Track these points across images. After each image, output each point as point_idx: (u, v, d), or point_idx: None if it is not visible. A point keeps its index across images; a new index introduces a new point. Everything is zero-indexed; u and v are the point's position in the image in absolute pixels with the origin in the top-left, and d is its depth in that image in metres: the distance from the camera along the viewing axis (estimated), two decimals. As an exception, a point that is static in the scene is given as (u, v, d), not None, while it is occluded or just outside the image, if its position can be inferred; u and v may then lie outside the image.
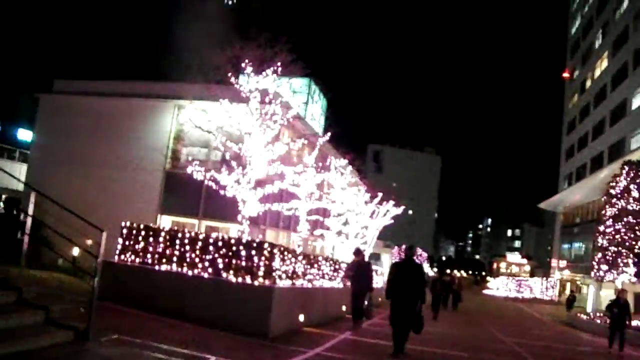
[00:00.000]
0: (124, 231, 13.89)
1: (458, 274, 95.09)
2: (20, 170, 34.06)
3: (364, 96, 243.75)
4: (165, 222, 26.32)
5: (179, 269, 13.02)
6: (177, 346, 8.93)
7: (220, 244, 12.82)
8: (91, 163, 26.97)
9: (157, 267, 13.25)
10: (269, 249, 12.48)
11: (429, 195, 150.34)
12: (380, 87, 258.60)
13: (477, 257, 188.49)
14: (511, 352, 15.77)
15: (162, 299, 12.36)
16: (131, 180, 26.27)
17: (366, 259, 18.52)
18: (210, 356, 8.70)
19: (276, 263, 12.54)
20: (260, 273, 12.19)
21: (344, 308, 18.60)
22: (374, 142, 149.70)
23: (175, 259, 13.15)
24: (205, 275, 12.63)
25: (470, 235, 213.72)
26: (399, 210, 41.54)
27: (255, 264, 12.29)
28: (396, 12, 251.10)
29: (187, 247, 13.08)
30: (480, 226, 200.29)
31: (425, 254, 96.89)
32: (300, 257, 14.82)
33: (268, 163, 16.40)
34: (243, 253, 12.43)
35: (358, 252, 17.32)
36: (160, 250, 13.40)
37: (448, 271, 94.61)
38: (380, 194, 37.61)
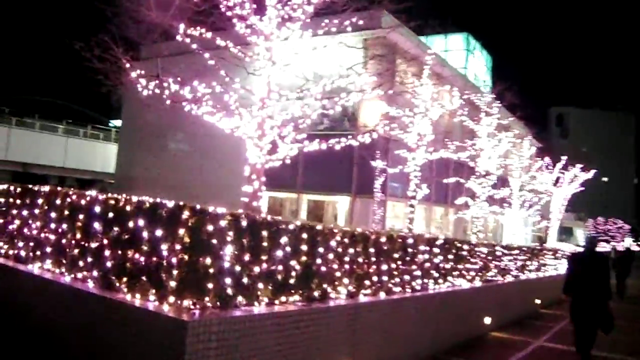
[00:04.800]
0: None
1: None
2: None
3: (540, 52, 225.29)
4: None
5: (54, 269, 7.39)
6: None
7: (110, 216, 6.51)
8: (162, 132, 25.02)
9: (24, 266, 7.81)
10: (191, 223, 5.57)
11: (625, 159, 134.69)
12: (559, 38, 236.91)
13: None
14: None
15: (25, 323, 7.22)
16: (221, 151, 23.04)
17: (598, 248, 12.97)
18: None
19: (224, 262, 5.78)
20: (173, 284, 5.54)
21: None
22: (556, 104, 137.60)
23: (49, 249, 7.56)
24: (89, 284, 6.60)
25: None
26: (589, 175, 36.52)
27: (164, 263, 5.66)
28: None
29: (65, 227, 7.34)
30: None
31: (627, 226, 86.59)
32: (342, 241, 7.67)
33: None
34: (145, 236, 5.93)
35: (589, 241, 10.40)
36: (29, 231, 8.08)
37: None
38: (564, 159, 33.15)
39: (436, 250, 10.56)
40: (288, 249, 6.53)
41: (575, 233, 60.89)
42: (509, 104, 26.07)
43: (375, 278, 8.36)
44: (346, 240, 7.63)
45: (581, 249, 11.66)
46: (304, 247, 6.79)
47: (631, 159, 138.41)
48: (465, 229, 28.03)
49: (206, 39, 9.51)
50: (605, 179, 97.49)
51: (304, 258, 6.78)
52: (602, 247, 47.05)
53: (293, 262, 6.61)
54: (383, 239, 8.59)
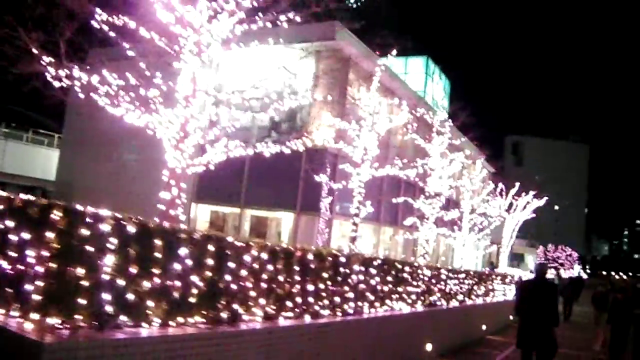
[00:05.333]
0: None
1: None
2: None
3: (497, 81, 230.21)
4: (202, 212, 22.93)
5: None
6: None
7: None
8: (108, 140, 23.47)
9: None
10: (62, 225, 4.73)
11: (577, 188, 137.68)
12: (514, 69, 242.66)
13: (636, 256, 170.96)
14: None
15: None
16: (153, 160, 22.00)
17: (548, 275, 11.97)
18: None
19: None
20: (37, 298, 4.62)
21: None
22: (512, 133, 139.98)
23: None
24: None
25: (626, 232, 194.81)
26: (541, 202, 36.80)
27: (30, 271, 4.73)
28: None
29: None
30: (638, 221, 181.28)
31: (575, 254, 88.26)
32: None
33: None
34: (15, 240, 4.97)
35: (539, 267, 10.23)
36: None
37: (604, 273, 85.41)
38: (517, 184, 33.33)
39: (373, 271, 9.78)
40: (189, 261, 5.63)
41: (526, 259, 61.22)
42: (464, 127, 25.91)
43: (299, 299, 7.51)
44: (264, 255, 6.77)
45: (531, 275, 11.49)
46: (210, 261, 5.90)
47: (583, 189, 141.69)
48: (414, 251, 27.49)
49: (130, 30, 8.62)
50: (557, 207, 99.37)
51: (208, 273, 5.89)
52: (549, 275, 47.45)
53: (195, 278, 5.71)
54: (310, 257, 7.76)
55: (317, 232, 20.20)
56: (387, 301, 10.57)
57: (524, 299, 9.81)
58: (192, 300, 5.71)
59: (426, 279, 12.84)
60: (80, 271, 4.64)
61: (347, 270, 8.83)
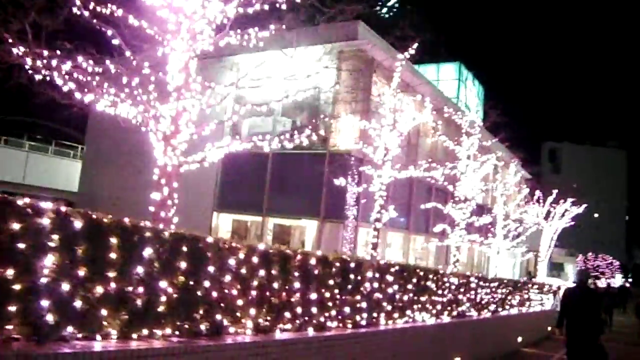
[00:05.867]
0: None
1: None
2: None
3: (533, 87, 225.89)
4: (224, 221, 22.27)
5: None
6: None
7: None
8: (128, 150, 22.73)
9: None
10: None
11: (617, 195, 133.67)
12: (550, 75, 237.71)
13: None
14: None
15: None
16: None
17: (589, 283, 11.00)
18: None
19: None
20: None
21: None
22: (549, 139, 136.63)
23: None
24: None
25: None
26: (580, 209, 35.31)
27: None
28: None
29: None
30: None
31: (616, 263, 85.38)
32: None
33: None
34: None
35: (580, 274, 10.49)
36: None
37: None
38: (555, 192, 32.08)
39: (390, 278, 8.83)
40: (156, 264, 4.81)
41: (565, 269, 59.09)
42: (497, 129, 24.78)
43: (299, 309, 6.62)
44: (255, 259, 5.91)
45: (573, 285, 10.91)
46: (184, 264, 5.06)
47: (623, 196, 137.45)
48: (447, 259, 26.33)
49: (116, 17, 7.92)
50: (596, 215, 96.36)
51: (182, 278, 5.05)
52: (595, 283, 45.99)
53: (163, 283, 4.88)
54: (313, 262, 6.86)
55: (342, 240, 19.28)
56: (408, 312, 9.61)
57: (567, 307, 9.72)
58: (161, 309, 4.87)
59: (453, 287, 11.81)
60: (10, 273, 3.85)
61: (359, 278, 7.90)
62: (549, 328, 20.20)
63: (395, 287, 9.04)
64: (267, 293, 6.09)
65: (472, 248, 29.33)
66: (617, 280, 70.69)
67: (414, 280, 9.82)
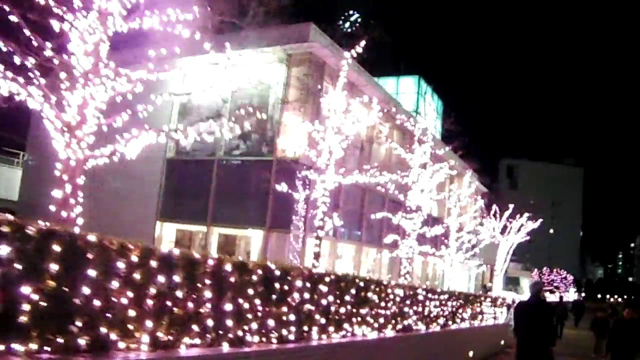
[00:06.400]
0: None
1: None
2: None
3: (491, 104, 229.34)
4: (168, 231, 21.46)
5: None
6: None
7: None
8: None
9: None
10: None
11: (572, 212, 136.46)
12: (508, 93, 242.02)
13: (630, 279, 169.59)
14: None
15: None
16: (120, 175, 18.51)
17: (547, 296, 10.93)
18: None
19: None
20: None
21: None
22: (507, 156, 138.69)
23: None
24: None
25: (621, 255, 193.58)
26: (536, 224, 35.60)
27: None
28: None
29: None
30: (633, 245, 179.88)
31: (570, 277, 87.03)
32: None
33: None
34: None
35: (533, 287, 10.48)
36: None
37: (599, 296, 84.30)
38: (511, 206, 32.29)
39: (324, 288, 8.13)
40: (17, 266, 3.99)
41: (521, 283, 59.50)
42: (454, 141, 24.53)
43: (211, 322, 5.85)
44: (153, 263, 5.13)
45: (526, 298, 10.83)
46: (55, 267, 4.26)
47: (578, 212, 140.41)
48: (400, 271, 25.80)
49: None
50: (551, 231, 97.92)
51: (52, 283, 4.24)
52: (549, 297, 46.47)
53: (26, 289, 4.06)
54: (228, 268, 6.11)
55: (289, 250, 18.54)
56: (346, 325, 8.90)
57: (520, 319, 9.87)
58: (23, 320, 4.06)
59: (398, 299, 11.17)
60: None
61: (286, 287, 7.17)
62: (502, 342, 19.83)
63: (331, 298, 8.33)
64: (169, 303, 5.31)
65: (426, 261, 28.90)
66: (571, 295, 71.74)
67: (353, 291, 9.13)
